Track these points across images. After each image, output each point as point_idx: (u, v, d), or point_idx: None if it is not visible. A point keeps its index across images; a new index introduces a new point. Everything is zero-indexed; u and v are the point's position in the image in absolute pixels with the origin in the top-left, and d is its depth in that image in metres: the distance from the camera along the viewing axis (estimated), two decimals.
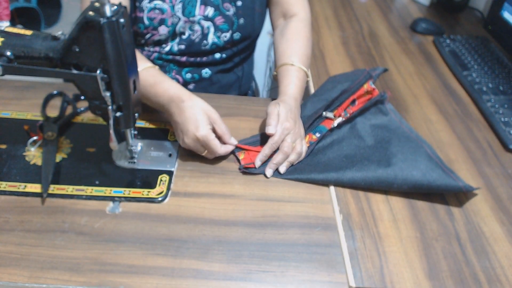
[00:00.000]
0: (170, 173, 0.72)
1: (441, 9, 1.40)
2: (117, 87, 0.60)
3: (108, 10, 0.54)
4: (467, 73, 1.04)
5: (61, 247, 0.60)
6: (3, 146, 0.74)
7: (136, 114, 0.66)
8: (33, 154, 0.73)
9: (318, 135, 0.78)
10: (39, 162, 0.71)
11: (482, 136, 0.87)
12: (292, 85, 0.81)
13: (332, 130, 0.79)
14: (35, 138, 0.75)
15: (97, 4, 0.55)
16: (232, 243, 0.62)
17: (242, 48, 0.98)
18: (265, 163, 0.74)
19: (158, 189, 0.69)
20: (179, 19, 0.88)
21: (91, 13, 0.54)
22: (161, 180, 0.70)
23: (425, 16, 1.34)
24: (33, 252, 0.59)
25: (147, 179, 0.70)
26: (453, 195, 0.72)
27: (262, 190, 0.71)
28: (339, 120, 0.80)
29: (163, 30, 0.88)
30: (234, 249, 0.61)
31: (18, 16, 1.98)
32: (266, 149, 0.73)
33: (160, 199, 0.67)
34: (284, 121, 0.73)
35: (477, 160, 0.80)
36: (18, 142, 0.75)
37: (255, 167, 0.73)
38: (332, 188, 0.72)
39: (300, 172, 0.73)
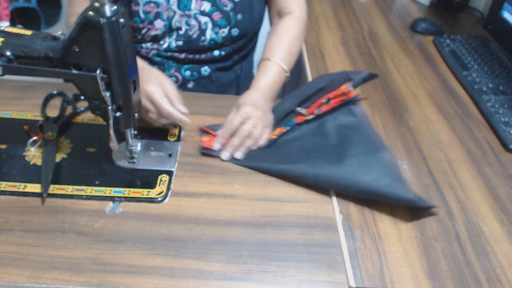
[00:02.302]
0: (170, 173, 0.72)
1: (441, 9, 1.40)
2: (117, 87, 0.60)
3: (108, 10, 0.54)
4: (467, 73, 1.04)
5: (61, 247, 0.59)
6: (3, 146, 0.74)
7: (136, 114, 0.66)
8: (33, 154, 0.73)
9: (288, 128, 0.79)
10: (39, 162, 0.71)
11: (482, 136, 0.87)
12: (263, 78, 0.83)
13: (300, 124, 0.79)
14: (35, 138, 0.75)
15: (97, 4, 0.55)
16: (232, 243, 0.62)
17: (241, 46, 0.98)
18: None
19: (158, 189, 0.69)
20: (175, 13, 0.88)
21: (91, 13, 0.54)
22: (161, 180, 0.70)
23: (425, 16, 1.35)
24: (33, 252, 0.59)
25: (147, 179, 0.70)
26: (453, 195, 0.72)
27: (262, 190, 0.71)
28: (311, 117, 0.80)
29: (159, 24, 0.88)
30: (234, 249, 0.61)
31: (18, 16, 1.98)
32: (225, 133, 0.75)
33: (160, 199, 0.67)
34: (244, 106, 0.75)
35: (477, 160, 0.80)
36: (18, 142, 0.75)
37: (214, 150, 0.75)
38: None
39: (256, 160, 0.73)
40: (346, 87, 0.81)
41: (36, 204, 0.65)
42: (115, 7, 0.55)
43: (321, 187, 0.70)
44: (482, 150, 0.83)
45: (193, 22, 0.89)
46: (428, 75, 1.05)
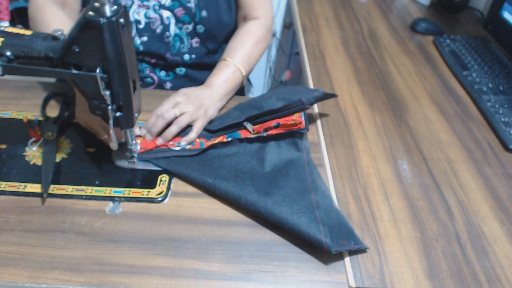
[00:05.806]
0: (170, 173, 0.72)
1: (441, 9, 1.40)
2: (117, 87, 0.60)
3: (108, 10, 0.54)
4: (467, 73, 1.04)
5: (61, 247, 0.60)
6: (3, 146, 0.74)
7: (136, 114, 0.66)
8: (33, 154, 0.73)
9: (230, 139, 0.76)
10: (39, 162, 0.71)
11: (482, 136, 0.87)
12: (215, 76, 0.84)
13: (242, 141, 0.76)
14: (34, 138, 0.75)
15: (97, 4, 0.55)
16: (232, 243, 0.62)
17: (215, 48, 0.97)
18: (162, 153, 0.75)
19: (158, 189, 0.69)
20: (133, 2, 0.87)
21: (91, 13, 0.54)
22: (161, 180, 0.70)
23: (425, 16, 1.35)
24: (33, 252, 0.59)
25: (147, 179, 0.70)
26: (453, 195, 0.72)
27: None
28: (254, 136, 0.77)
29: None
30: (234, 249, 0.61)
31: (18, 16, 1.98)
32: (151, 118, 0.76)
33: (160, 199, 0.67)
34: (174, 94, 0.76)
35: (477, 160, 0.81)
36: (18, 142, 0.75)
37: (144, 152, 0.74)
38: (332, 188, 0.72)
39: (184, 167, 0.71)
40: (298, 116, 0.77)
41: (36, 204, 0.65)
42: (115, 7, 0.55)
43: (242, 208, 0.67)
44: (482, 150, 0.83)
45: (152, 14, 0.88)
46: (428, 75, 1.05)
